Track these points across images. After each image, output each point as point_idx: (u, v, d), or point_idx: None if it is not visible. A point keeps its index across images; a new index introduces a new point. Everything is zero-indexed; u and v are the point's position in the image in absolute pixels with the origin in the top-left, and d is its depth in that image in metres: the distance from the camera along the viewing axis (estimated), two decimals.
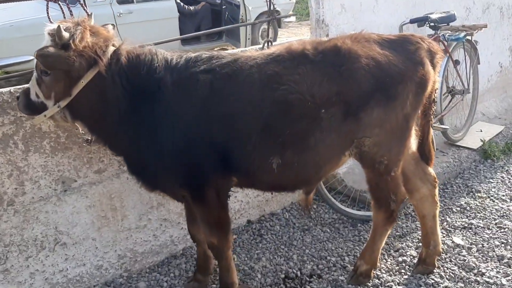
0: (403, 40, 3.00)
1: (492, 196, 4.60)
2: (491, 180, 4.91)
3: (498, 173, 5.06)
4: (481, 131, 5.87)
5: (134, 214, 3.65)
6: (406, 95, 2.91)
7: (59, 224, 3.35)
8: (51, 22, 2.82)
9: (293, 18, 12.69)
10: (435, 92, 3.17)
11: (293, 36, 13.34)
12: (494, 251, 3.74)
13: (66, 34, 2.59)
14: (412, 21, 4.84)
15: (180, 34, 9.24)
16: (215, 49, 10.77)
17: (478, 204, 4.46)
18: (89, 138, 3.06)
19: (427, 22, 4.84)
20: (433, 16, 4.80)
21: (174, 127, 2.79)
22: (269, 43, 4.02)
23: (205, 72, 2.79)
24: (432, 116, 3.27)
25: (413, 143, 3.32)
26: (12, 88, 3.11)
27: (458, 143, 5.52)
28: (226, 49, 10.89)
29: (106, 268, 3.54)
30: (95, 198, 3.47)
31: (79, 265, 3.44)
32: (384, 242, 3.44)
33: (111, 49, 2.76)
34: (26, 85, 2.93)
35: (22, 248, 3.22)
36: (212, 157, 2.83)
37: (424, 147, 3.35)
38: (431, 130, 3.35)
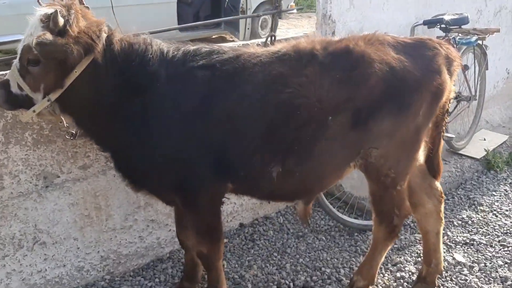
0: (420, 45, 2.79)
1: (495, 210, 4.41)
2: (494, 193, 4.73)
3: (501, 186, 4.87)
4: (485, 139, 5.69)
5: (120, 214, 3.43)
6: (420, 105, 2.70)
7: (39, 222, 3.13)
8: (39, 4, 2.57)
9: (294, 10, 12.41)
10: (450, 102, 2.96)
11: (293, 27, 13.09)
12: (497, 271, 3.56)
13: (61, 20, 2.37)
14: (425, 23, 4.60)
15: (178, 20, 8.94)
16: (213, 36, 10.49)
17: (481, 218, 4.28)
18: (74, 131, 2.83)
19: (439, 24, 4.61)
20: (447, 18, 4.57)
21: (167, 126, 2.59)
22: (273, 38, 3.77)
23: (204, 68, 2.59)
24: (444, 128, 3.06)
25: (421, 155, 3.11)
26: None
27: (460, 152, 5.33)
28: (225, 38, 10.63)
29: (88, 269, 3.33)
30: (79, 195, 3.25)
31: (59, 265, 3.23)
32: (383, 257, 3.24)
33: (104, 35, 2.53)
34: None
35: None
36: (206, 160, 2.63)
37: (433, 160, 3.14)
38: (442, 142, 3.14)
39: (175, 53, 2.63)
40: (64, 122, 2.72)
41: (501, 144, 5.73)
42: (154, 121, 2.58)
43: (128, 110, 2.60)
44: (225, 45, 3.10)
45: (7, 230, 3.02)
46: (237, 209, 4.05)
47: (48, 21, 2.38)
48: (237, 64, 2.59)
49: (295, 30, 12.47)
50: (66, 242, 3.24)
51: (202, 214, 2.79)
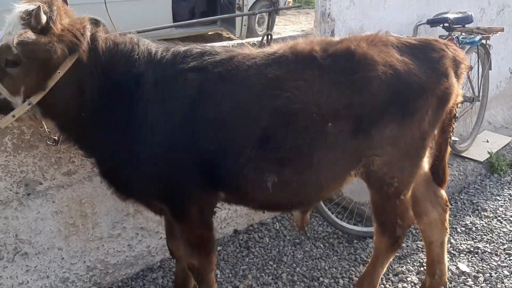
0: (426, 46, 2.61)
1: (499, 216, 4.25)
2: (498, 198, 4.56)
3: (506, 190, 4.71)
4: (488, 141, 5.52)
5: (107, 222, 3.26)
6: (425, 111, 2.53)
7: (20, 232, 2.95)
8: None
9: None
10: (457, 107, 2.79)
11: (291, 24, 12.90)
12: (503, 282, 3.40)
13: (44, 16, 2.19)
14: (429, 22, 4.41)
15: (173, 15, 8.74)
16: (209, 33, 10.29)
17: (485, 224, 4.12)
18: (56, 137, 2.65)
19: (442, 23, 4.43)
20: (451, 17, 4.39)
21: (153, 132, 2.41)
22: (269, 37, 3.59)
23: (194, 70, 2.42)
24: (451, 134, 2.89)
25: (426, 162, 2.95)
26: None
27: (463, 154, 5.16)
28: (221, 34, 10.43)
29: (73, 280, 3.16)
30: (63, 203, 3.07)
31: (42, 277, 3.06)
32: (385, 269, 3.08)
33: (88, 33, 2.35)
34: None
35: None
36: (197, 169, 2.46)
37: (439, 167, 2.97)
38: (448, 149, 2.97)
39: (164, 54, 2.46)
40: (45, 127, 2.55)
41: (504, 146, 5.55)
42: (139, 127, 2.41)
43: (112, 114, 2.43)
44: (218, 46, 2.93)
45: None
46: (231, 215, 3.88)
47: (29, 18, 2.20)
48: (231, 66, 2.42)
49: (292, 27, 12.29)
50: (50, 252, 3.07)
51: (192, 225, 2.62)
